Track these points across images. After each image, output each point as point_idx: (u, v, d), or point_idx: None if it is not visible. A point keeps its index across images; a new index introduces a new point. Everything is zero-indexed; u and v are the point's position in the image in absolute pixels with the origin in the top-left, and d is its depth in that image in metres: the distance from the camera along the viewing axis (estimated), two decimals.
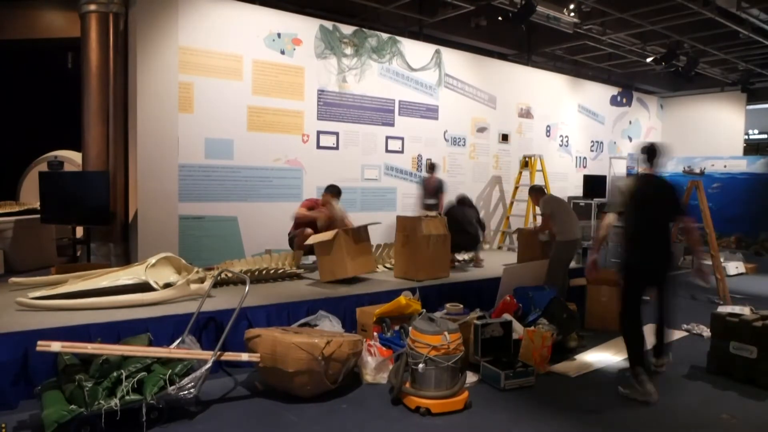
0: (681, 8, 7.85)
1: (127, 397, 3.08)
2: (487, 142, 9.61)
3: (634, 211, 4.00)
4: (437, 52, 8.67)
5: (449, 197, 8.77)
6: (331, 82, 7.56)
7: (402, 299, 4.66)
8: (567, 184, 11.15)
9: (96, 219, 5.93)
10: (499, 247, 9.62)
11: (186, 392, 3.29)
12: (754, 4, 7.72)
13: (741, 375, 4.22)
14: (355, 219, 7.47)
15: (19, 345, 3.48)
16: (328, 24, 7.49)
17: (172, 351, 3.61)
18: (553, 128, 10.89)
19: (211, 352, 3.58)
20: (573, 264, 6.24)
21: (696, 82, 11.48)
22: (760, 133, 16.49)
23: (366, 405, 3.67)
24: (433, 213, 6.33)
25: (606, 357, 4.76)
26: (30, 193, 8.15)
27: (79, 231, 6.37)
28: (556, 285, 5.50)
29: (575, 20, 8.52)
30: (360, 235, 5.56)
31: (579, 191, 10.87)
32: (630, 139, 13.05)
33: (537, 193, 6.39)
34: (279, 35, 7.05)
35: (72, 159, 8.06)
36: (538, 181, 9.56)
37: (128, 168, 6.28)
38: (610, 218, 4.05)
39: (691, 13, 7.93)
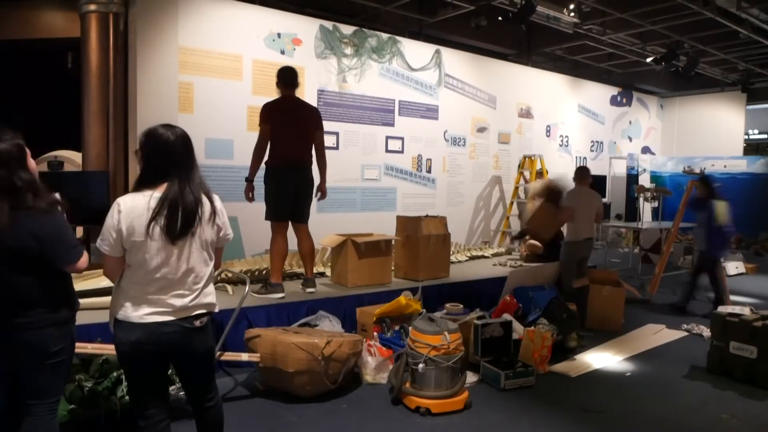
0: (681, 8, 7.85)
1: (127, 397, 3.07)
2: (487, 142, 9.61)
3: None
4: (437, 52, 8.67)
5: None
6: (331, 82, 7.56)
7: (402, 299, 4.65)
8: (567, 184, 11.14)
9: (96, 219, 5.84)
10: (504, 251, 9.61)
11: None
12: (754, 4, 7.73)
13: (741, 375, 4.23)
14: (356, 219, 7.51)
15: None
16: (328, 24, 7.49)
17: None
18: (553, 128, 10.88)
19: None
20: None
21: (696, 82, 11.49)
22: (760, 133, 16.50)
23: (366, 405, 3.67)
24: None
25: (606, 357, 4.76)
26: None
27: (79, 231, 6.36)
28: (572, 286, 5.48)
29: (575, 20, 8.52)
30: (379, 248, 5.37)
31: None
32: (630, 139, 13.06)
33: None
34: (279, 35, 7.05)
35: (72, 159, 8.03)
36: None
37: (128, 168, 6.27)
38: None
39: (691, 13, 7.93)
